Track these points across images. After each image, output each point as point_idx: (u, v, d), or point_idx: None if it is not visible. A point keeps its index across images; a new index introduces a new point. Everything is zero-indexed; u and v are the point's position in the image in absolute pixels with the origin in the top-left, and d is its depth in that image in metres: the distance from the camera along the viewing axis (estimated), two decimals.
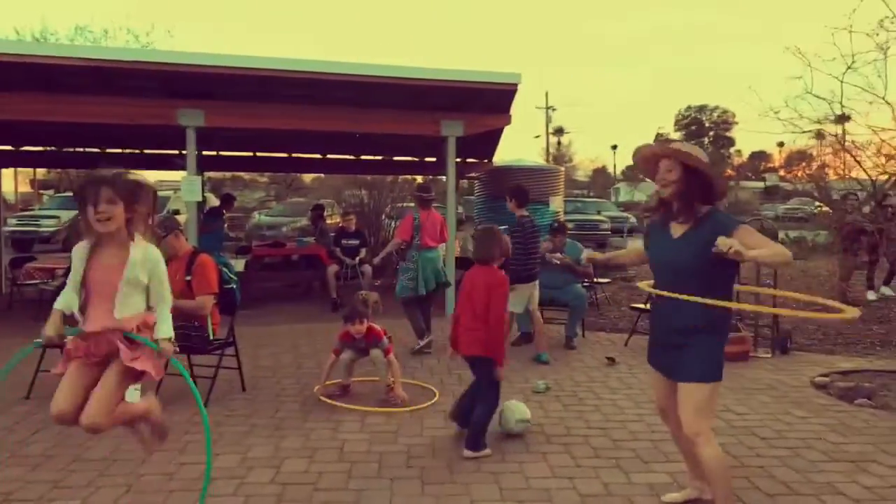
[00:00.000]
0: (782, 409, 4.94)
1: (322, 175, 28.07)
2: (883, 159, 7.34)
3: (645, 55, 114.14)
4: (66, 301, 3.05)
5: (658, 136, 70.68)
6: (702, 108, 69.24)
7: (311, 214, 12.36)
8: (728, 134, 66.78)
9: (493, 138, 11.15)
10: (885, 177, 7.75)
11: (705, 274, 2.89)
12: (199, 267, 4.84)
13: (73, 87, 8.00)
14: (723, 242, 2.66)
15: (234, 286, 5.21)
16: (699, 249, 2.87)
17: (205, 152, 10.94)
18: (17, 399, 5.00)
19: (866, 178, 7.66)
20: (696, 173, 2.94)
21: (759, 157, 60.78)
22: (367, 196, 14.15)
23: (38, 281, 9.09)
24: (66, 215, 17.64)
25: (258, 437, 4.31)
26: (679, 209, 2.98)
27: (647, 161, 3.08)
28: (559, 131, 57.46)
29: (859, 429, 4.54)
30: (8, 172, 20.64)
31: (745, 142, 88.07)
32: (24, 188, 34.64)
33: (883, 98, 6.70)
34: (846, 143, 7.48)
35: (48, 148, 12.37)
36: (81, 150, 12.33)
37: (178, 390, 4.94)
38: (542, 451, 4.11)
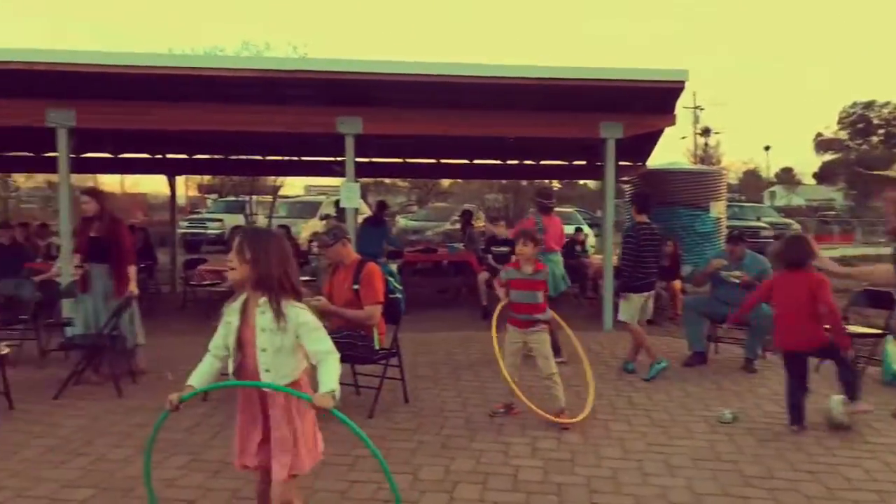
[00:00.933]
0: None
1: (460, 179, 28.24)
2: None
3: (798, 47, 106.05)
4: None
5: (818, 135, 65.10)
6: (869, 105, 62.96)
7: (460, 220, 12.29)
8: None
9: (651, 140, 10.54)
10: None
11: None
12: (366, 276, 4.77)
13: (242, 97, 8.36)
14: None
15: (400, 295, 5.12)
16: None
17: (357, 159, 11.18)
18: (195, 399, 5.14)
19: None
20: None
21: None
22: (508, 199, 13.95)
23: (208, 283, 9.61)
24: (230, 219, 18.86)
25: (426, 456, 4.13)
26: None
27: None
28: (706, 132, 54.40)
29: None
30: (181, 177, 22.47)
31: None
32: (192, 192, 37.57)
33: None
34: None
35: (215, 156, 13.20)
36: (245, 157, 13.04)
37: (342, 401, 4.89)
38: (742, 495, 3.62)
